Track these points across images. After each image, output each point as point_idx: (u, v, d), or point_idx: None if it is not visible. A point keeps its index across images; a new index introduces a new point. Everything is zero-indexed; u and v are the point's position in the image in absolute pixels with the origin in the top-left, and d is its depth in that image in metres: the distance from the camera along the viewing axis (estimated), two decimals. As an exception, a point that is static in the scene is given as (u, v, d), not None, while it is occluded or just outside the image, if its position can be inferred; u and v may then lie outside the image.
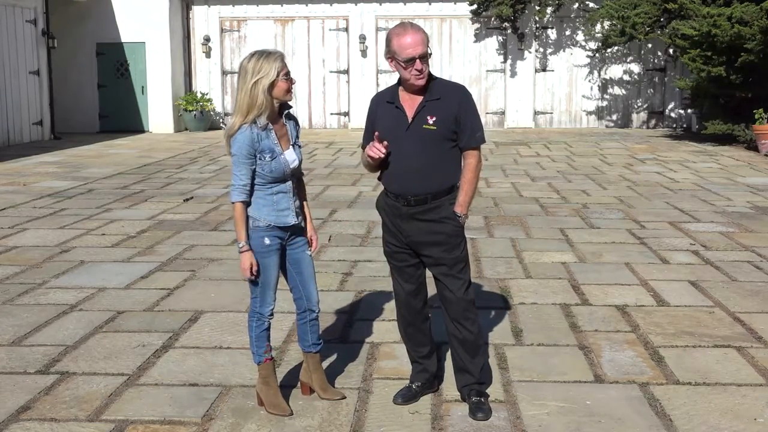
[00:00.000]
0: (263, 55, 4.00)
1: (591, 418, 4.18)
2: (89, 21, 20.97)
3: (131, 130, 20.99)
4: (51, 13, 19.57)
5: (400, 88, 4.19)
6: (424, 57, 4.02)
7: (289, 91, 4.06)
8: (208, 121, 21.69)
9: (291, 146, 4.14)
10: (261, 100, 3.95)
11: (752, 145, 16.36)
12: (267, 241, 4.09)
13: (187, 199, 10.92)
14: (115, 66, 21.31)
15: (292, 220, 4.13)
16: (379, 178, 4.28)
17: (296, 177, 4.22)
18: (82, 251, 7.90)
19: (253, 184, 4.06)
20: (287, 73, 4.03)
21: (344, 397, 4.37)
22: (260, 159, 4.01)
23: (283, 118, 4.16)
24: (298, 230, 4.24)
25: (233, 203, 4.05)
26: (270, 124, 4.05)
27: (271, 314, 4.22)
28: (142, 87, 21.31)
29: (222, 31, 22.27)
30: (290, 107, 4.20)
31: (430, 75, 4.12)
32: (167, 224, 9.24)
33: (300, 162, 4.20)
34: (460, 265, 4.20)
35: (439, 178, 4.12)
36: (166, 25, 21.03)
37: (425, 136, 4.07)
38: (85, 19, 20.94)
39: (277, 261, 4.17)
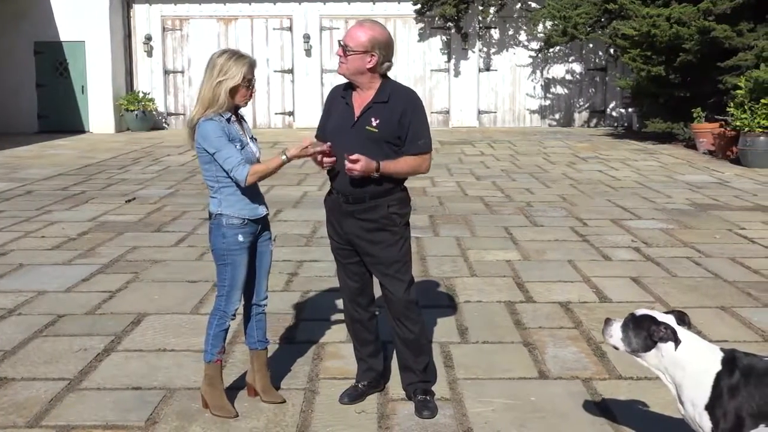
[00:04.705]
0: (234, 56, 4.05)
1: (535, 414, 4.22)
2: (26, 19, 20.50)
3: (71, 131, 20.55)
4: (-14, 11, 19.14)
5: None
6: (345, 48, 4.05)
7: (248, 98, 4.12)
8: (151, 121, 21.39)
9: (249, 140, 4.21)
10: (222, 101, 4.01)
11: (691, 144, 16.71)
12: (241, 238, 4.12)
13: (129, 200, 10.77)
14: (54, 65, 20.85)
15: (263, 210, 4.23)
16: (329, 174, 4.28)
17: None
18: (21, 254, 7.73)
19: (220, 182, 4.10)
20: (250, 81, 4.07)
21: (284, 401, 4.34)
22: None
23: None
24: (266, 224, 4.31)
25: (246, 177, 3.99)
26: (233, 117, 4.12)
27: (234, 315, 4.22)
28: (82, 86, 20.92)
29: (164, 30, 21.98)
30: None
31: (384, 76, 4.13)
32: (109, 226, 9.09)
33: (259, 155, 4.25)
34: (398, 266, 4.19)
35: (378, 179, 4.07)
36: (106, 23, 20.67)
37: (367, 137, 4.06)
38: (22, 17, 20.47)
39: (247, 260, 4.19)
